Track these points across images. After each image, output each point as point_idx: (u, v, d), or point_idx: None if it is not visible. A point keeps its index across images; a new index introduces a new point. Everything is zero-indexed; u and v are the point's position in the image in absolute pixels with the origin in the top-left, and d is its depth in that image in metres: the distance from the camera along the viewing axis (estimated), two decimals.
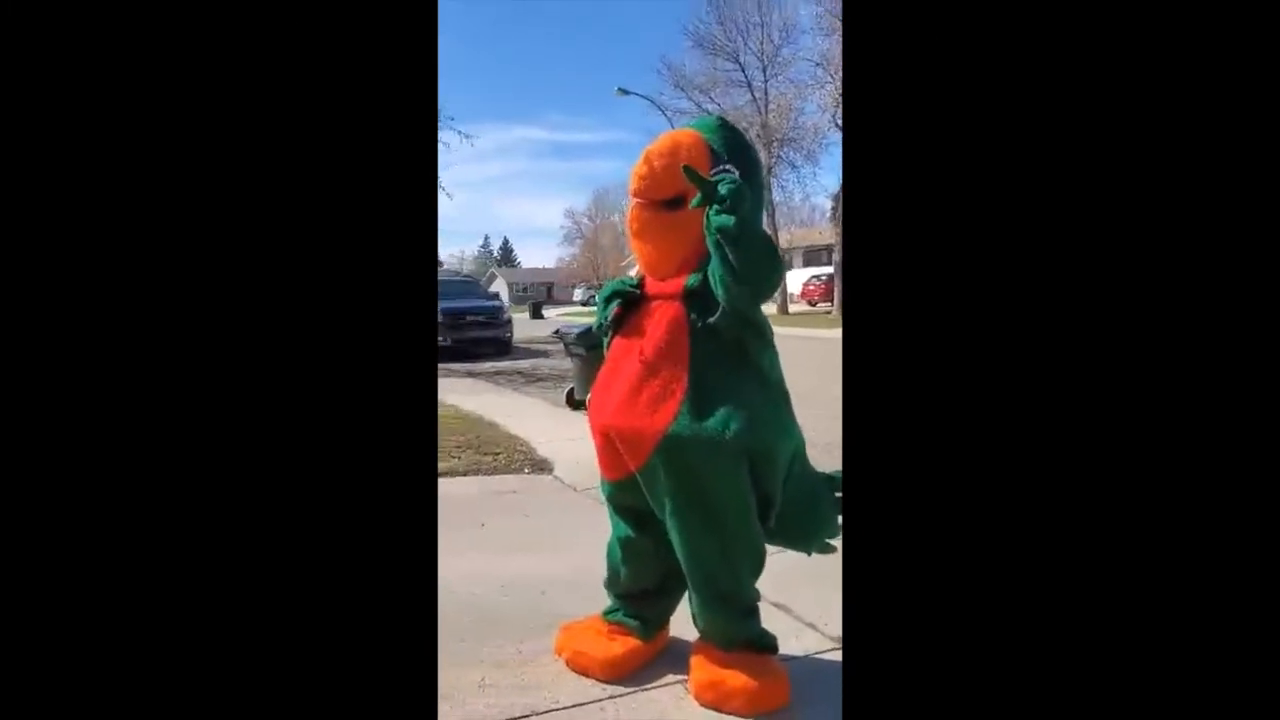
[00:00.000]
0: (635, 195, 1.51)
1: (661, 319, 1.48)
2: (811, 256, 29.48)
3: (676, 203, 1.46)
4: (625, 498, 1.58)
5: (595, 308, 1.69)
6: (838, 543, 1.60)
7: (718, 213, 1.31)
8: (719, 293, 1.38)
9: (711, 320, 1.40)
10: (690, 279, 1.45)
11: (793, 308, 21.24)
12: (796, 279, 24.34)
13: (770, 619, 1.68)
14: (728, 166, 1.46)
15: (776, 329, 1.64)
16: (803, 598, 1.93)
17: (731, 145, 1.51)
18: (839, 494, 1.59)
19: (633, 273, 1.67)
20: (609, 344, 1.60)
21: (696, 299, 1.44)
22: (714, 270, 1.37)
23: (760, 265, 1.34)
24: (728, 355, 1.43)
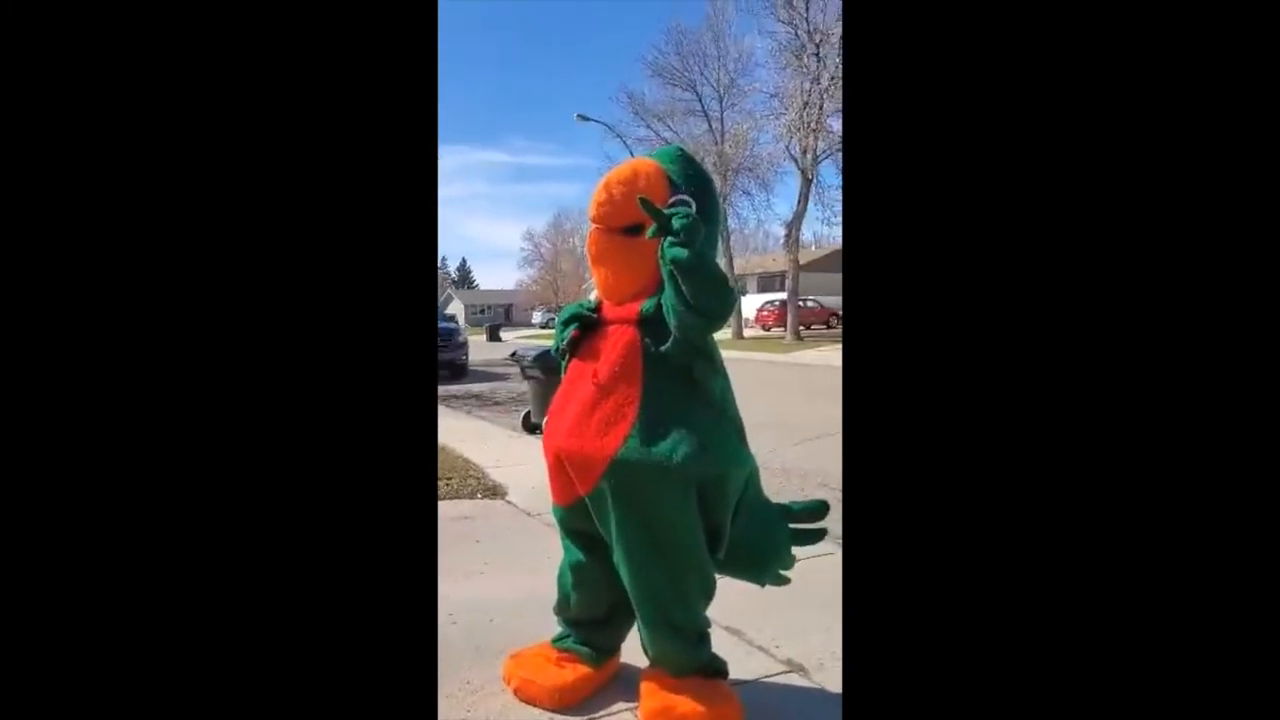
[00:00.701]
0: (594, 221, 1.53)
1: (616, 343, 1.49)
2: (766, 282, 30.06)
3: (635, 230, 1.48)
4: (576, 522, 1.57)
5: (554, 330, 1.69)
6: (791, 573, 1.61)
7: (671, 245, 1.34)
8: (671, 321, 1.40)
9: (664, 348, 1.42)
10: (645, 305, 1.47)
11: (747, 333, 21.53)
12: (751, 305, 24.73)
13: (721, 643, 1.68)
14: (684, 197, 1.48)
15: (732, 354, 1.67)
16: (753, 622, 1.94)
17: (689, 175, 1.53)
18: (794, 525, 1.61)
19: (592, 296, 1.68)
20: (566, 367, 1.61)
21: (651, 325, 1.46)
22: (667, 299, 1.40)
23: (712, 296, 1.37)
24: (680, 382, 1.44)
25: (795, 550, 1.60)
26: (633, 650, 1.63)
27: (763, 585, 1.62)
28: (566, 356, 1.60)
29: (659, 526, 1.43)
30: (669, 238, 1.34)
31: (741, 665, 1.69)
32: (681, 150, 1.63)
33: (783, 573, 1.60)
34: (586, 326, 1.57)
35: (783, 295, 21.83)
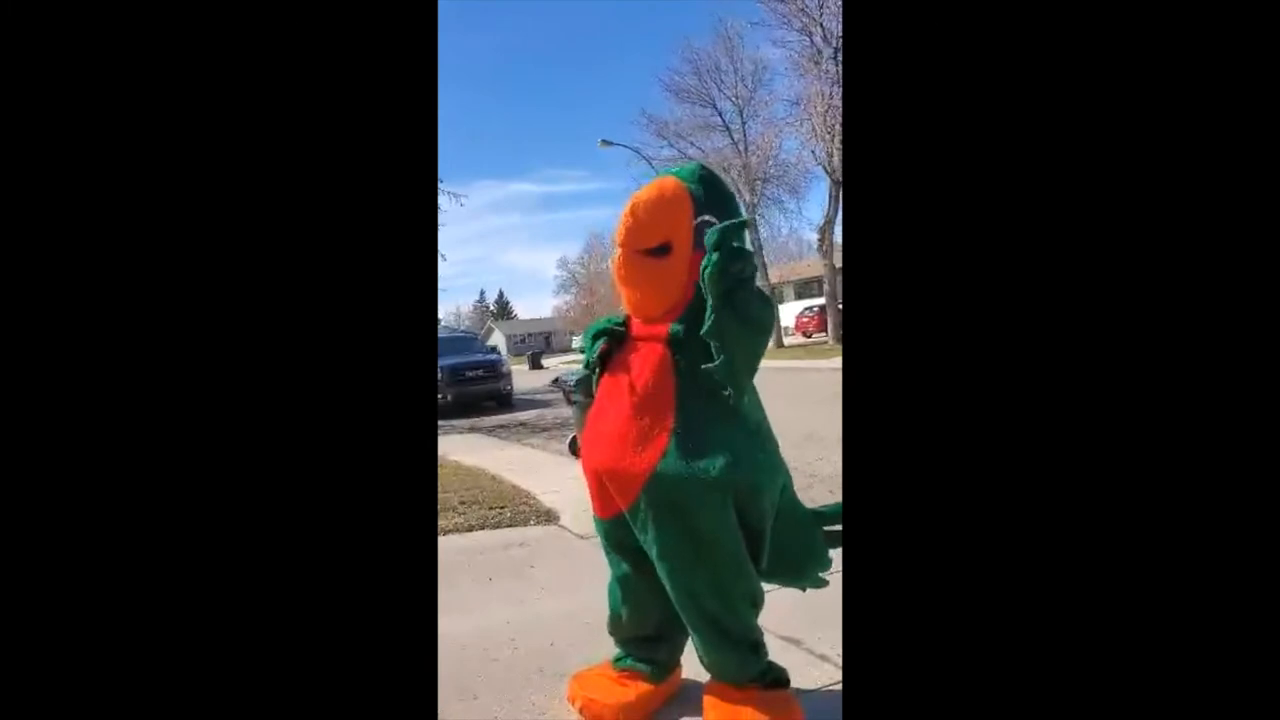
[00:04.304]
0: (621, 245, 1.56)
1: (648, 360, 1.52)
2: (803, 289, 29.82)
3: (661, 250, 1.51)
4: (619, 535, 1.60)
5: (584, 344, 1.72)
6: (829, 576, 1.63)
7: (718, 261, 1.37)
8: (720, 343, 1.40)
9: (714, 374, 1.41)
10: (674, 326, 1.50)
11: (788, 340, 21.33)
12: (789, 312, 24.52)
13: (783, 653, 1.68)
14: (708, 218, 1.50)
15: (774, 363, 1.67)
16: (815, 631, 1.92)
17: (711, 194, 1.55)
18: (828, 528, 1.63)
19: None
20: (597, 382, 1.65)
21: (681, 343, 1.48)
22: (712, 326, 1.39)
23: (756, 305, 1.42)
24: (711, 397, 1.46)
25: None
26: (696, 665, 1.64)
27: (804, 590, 1.64)
28: (597, 371, 1.64)
29: (700, 537, 1.44)
30: (715, 258, 1.37)
31: (803, 674, 1.68)
32: (703, 168, 1.64)
33: (822, 575, 1.63)
34: (615, 340, 1.61)
35: (821, 300, 21.61)
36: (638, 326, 1.59)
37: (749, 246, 1.45)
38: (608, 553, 1.67)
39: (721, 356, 1.40)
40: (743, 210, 1.67)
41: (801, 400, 7.27)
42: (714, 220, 1.50)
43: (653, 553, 1.50)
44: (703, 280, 1.39)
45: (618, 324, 1.63)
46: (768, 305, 1.47)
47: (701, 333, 1.40)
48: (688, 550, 1.46)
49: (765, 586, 1.56)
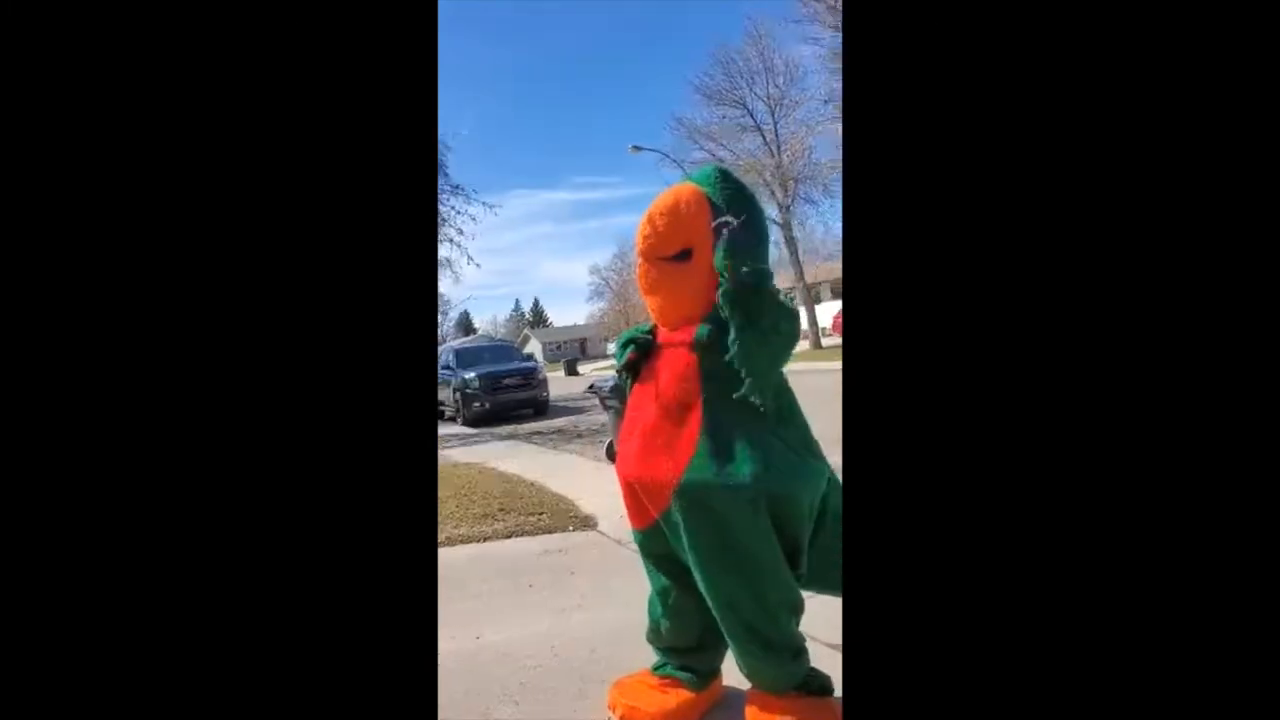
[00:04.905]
0: (642, 255, 1.56)
1: (674, 367, 1.51)
2: (839, 288, 29.42)
3: (682, 256, 1.51)
4: (656, 546, 1.59)
5: (615, 354, 1.74)
6: None
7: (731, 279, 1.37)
8: (744, 357, 1.39)
9: (740, 394, 1.40)
10: (700, 331, 1.48)
11: (826, 341, 21.04)
12: (827, 312, 24.24)
13: (826, 660, 1.64)
14: (728, 218, 1.49)
15: (811, 365, 1.65)
16: None
17: (729, 195, 1.53)
18: None
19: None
20: (630, 391, 1.65)
21: (706, 349, 1.47)
22: (737, 343, 1.40)
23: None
24: (739, 403, 1.43)
25: None
26: (739, 673, 1.61)
27: None
28: (629, 380, 1.64)
29: (733, 545, 1.42)
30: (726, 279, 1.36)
31: None
32: (720, 170, 1.62)
33: None
34: (643, 349, 1.60)
35: None
36: (664, 334, 1.58)
37: (758, 252, 1.45)
38: (646, 564, 1.66)
39: (749, 379, 1.38)
40: (762, 209, 1.63)
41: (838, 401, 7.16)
42: (733, 221, 1.48)
43: (689, 561, 1.49)
44: (720, 301, 1.38)
45: (645, 333, 1.63)
46: (792, 319, 1.44)
47: (726, 359, 1.39)
48: (721, 559, 1.44)
49: (811, 594, 1.53)
